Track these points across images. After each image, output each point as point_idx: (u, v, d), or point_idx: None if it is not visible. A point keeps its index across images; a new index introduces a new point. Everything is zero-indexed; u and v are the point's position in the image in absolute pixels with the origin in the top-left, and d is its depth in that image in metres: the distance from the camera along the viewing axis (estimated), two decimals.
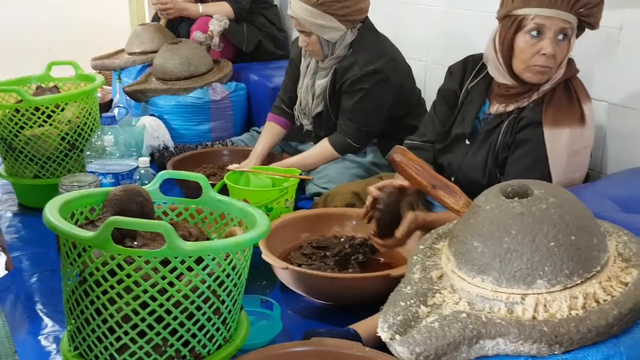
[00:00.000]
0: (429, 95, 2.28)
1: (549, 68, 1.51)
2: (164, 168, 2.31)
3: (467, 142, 1.68)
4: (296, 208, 1.98)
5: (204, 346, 1.19)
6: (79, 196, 1.31)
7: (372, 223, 1.58)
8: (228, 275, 1.18)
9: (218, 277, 1.17)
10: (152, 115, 2.66)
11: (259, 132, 2.53)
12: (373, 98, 2.09)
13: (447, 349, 1.02)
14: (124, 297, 1.12)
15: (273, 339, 1.43)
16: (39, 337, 1.50)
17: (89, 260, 1.13)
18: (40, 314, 1.59)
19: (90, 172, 1.99)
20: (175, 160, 2.33)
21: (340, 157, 2.16)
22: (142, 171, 1.98)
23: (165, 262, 1.11)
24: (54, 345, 1.47)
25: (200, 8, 3.05)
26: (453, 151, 1.70)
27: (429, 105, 2.25)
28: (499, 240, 1.08)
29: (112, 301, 1.13)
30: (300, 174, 2.02)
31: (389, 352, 1.17)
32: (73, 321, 1.19)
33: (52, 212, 1.17)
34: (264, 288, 1.68)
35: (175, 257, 1.11)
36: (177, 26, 3.19)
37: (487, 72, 1.65)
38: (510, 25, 1.52)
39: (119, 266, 1.11)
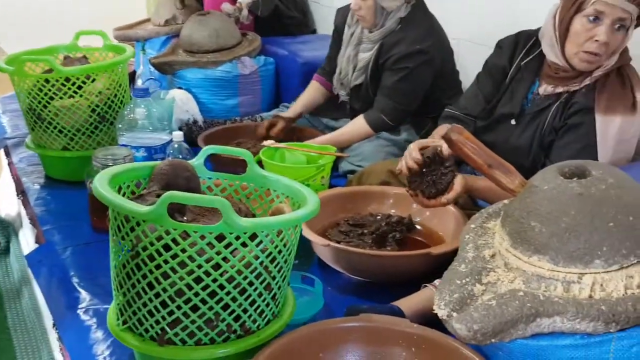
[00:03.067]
0: (462, 75, 2.26)
1: (599, 56, 1.49)
2: (193, 142, 2.30)
3: (513, 122, 1.66)
4: (330, 186, 1.97)
5: (254, 321, 1.19)
6: (125, 169, 1.30)
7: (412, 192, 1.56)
8: (280, 252, 1.18)
9: (270, 253, 1.16)
10: (180, 88, 2.64)
11: (288, 108, 2.51)
12: (415, 78, 2.08)
13: (505, 326, 1.02)
14: (177, 272, 1.12)
15: (315, 315, 1.43)
16: (78, 311, 1.50)
17: (143, 234, 1.12)
18: (78, 288, 1.58)
19: (123, 145, 1.99)
20: (205, 135, 2.31)
21: (375, 134, 2.15)
22: (176, 145, 1.97)
23: (219, 238, 1.11)
24: (94, 319, 1.46)
25: None
26: (497, 130, 1.68)
27: (465, 85, 2.24)
28: (557, 220, 1.07)
29: (165, 275, 1.12)
30: (335, 152, 2.00)
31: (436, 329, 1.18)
32: (122, 295, 1.19)
33: (102, 185, 1.16)
34: (302, 265, 1.67)
35: (231, 233, 1.10)
36: None
37: (541, 50, 1.62)
38: (570, 6, 1.50)
39: (174, 241, 1.11)
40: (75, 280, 1.61)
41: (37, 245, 1.88)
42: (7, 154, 2.43)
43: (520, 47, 1.69)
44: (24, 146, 2.23)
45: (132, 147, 1.96)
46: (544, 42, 1.60)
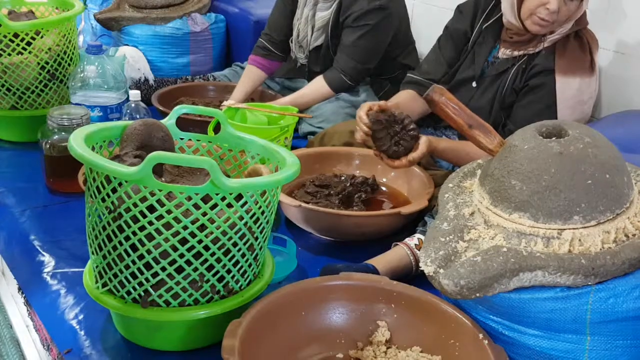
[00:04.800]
0: (415, 35, 2.27)
1: (549, 22, 1.53)
2: (145, 102, 2.22)
3: (475, 84, 1.70)
4: (291, 147, 1.96)
5: (237, 281, 1.19)
6: (97, 129, 1.25)
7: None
8: (262, 213, 1.17)
9: (254, 214, 1.16)
10: (127, 45, 2.54)
11: (242, 67, 2.47)
12: (375, 35, 2.07)
13: (489, 281, 1.06)
14: (163, 234, 1.09)
15: (289, 275, 1.44)
16: (43, 275, 1.45)
17: (126, 195, 1.09)
18: (41, 251, 1.52)
19: (76, 104, 1.90)
20: (158, 94, 2.24)
21: (335, 95, 2.14)
22: (133, 105, 1.91)
23: (205, 199, 1.09)
24: (63, 283, 1.42)
25: None
26: (458, 92, 1.71)
27: (418, 45, 2.26)
28: (538, 179, 1.11)
29: (149, 237, 1.10)
30: (297, 112, 1.99)
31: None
32: (102, 258, 1.16)
33: (80, 145, 1.11)
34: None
35: (217, 194, 1.09)
36: None
37: (501, 14, 1.65)
38: None
39: (159, 202, 1.08)
40: (37, 243, 1.55)
41: None
42: None
43: (480, 11, 1.73)
44: None
45: (87, 106, 1.88)
46: (504, 2, 1.63)
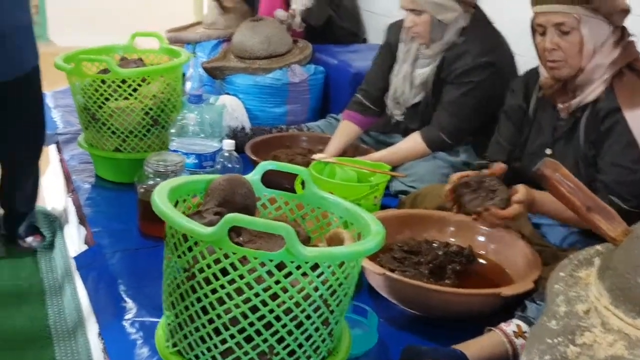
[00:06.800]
0: None
1: (558, 62, 1.55)
2: (239, 149, 2.25)
3: (549, 151, 1.65)
4: (381, 206, 1.90)
5: (309, 357, 1.13)
6: (183, 183, 1.26)
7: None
8: (340, 284, 1.12)
9: (331, 285, 1.10)
10: (227, 93, 2.61)
11: (336, 120, 2.44)
12: (480, 92, 1.98)
13: None
14: (234, 299, 1.06)
15: (369, 351, 1.35)
16: (123, 322, 1.45)
17: (201, 255, 1.07)
18: (125, 297, 1.54)
19: (173, 150, 1.95)
20: (252, 143, 2.26)
21: (431, 154, 2.07)
22: (226, 154, 1.93)
23: (280, 266, 1.05)
24: (140, 334, 1.41)
25: None
26: (534, 164, 1.60)
27: None
28: None
29: (221, 301, 1.07)
30: (390, 170, 1.93)
31: None
32: (174, 316, 1.15)
33: (163, 200, 1.11)
34: None
35: (292, 262, 1.04)
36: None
37: None
38: (532, 31, 1.60)
39: (232, 265, 1.05)
40: (122, 288, 1.58)
41: (85, 247, 1.86)
42: (59, 150, 2.43)
43: (532, 83, 1.73)
44: (76, 144, 2.22)
45: (183, 153, 1.93)
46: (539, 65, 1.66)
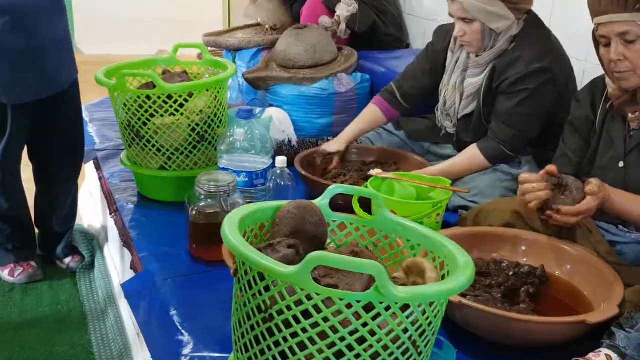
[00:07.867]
0: None
1: (625, 72, 1.50)
2: (289, 164, 2.16)
3: (621, 164, 1.58)
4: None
5: None
6: (251, 212, 1.16)
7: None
8: (430, 324, 1.02)
9: (420, 325, 1.00)
10: (272, 105, 2.52)
11: (386, 130, 2.35)
12: (536, 100, 1.89)
13: None
14: (317, 343, 0.97)
15: None
16: (182, 358, 1.37)
17: (280, 296, 0.98)
18: (180, 329, 1.45)
19: (222, 168, 1.87)
20: (301, 157, 2.17)
21: (491, 166, 1.96)
22: (279, 171, 1.84)
23: (367, 307, 0.95)
24: None
25: None
26: (606, 178, 1.54)
27: None
28: None
29: (302, 346, 0.98)
30: (451, 186, 1.82)
31: None
32: (248, 359, 1.05)
33: (235, 235, 1.02)
34: None
35: (381, 303, 0.94)
36: (291, 5, 3.04)
37: None
38: (595, 43, 1.54)
39: (315, 307, 0.96)
40: (177, 320, 1.48)
41: (131, 272, 1.78)
42: (98, 167, 2.35)
43: (598, 94, 1.65)
44: (118, 161, 2.15)
45: (233, 171, 1.84)
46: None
